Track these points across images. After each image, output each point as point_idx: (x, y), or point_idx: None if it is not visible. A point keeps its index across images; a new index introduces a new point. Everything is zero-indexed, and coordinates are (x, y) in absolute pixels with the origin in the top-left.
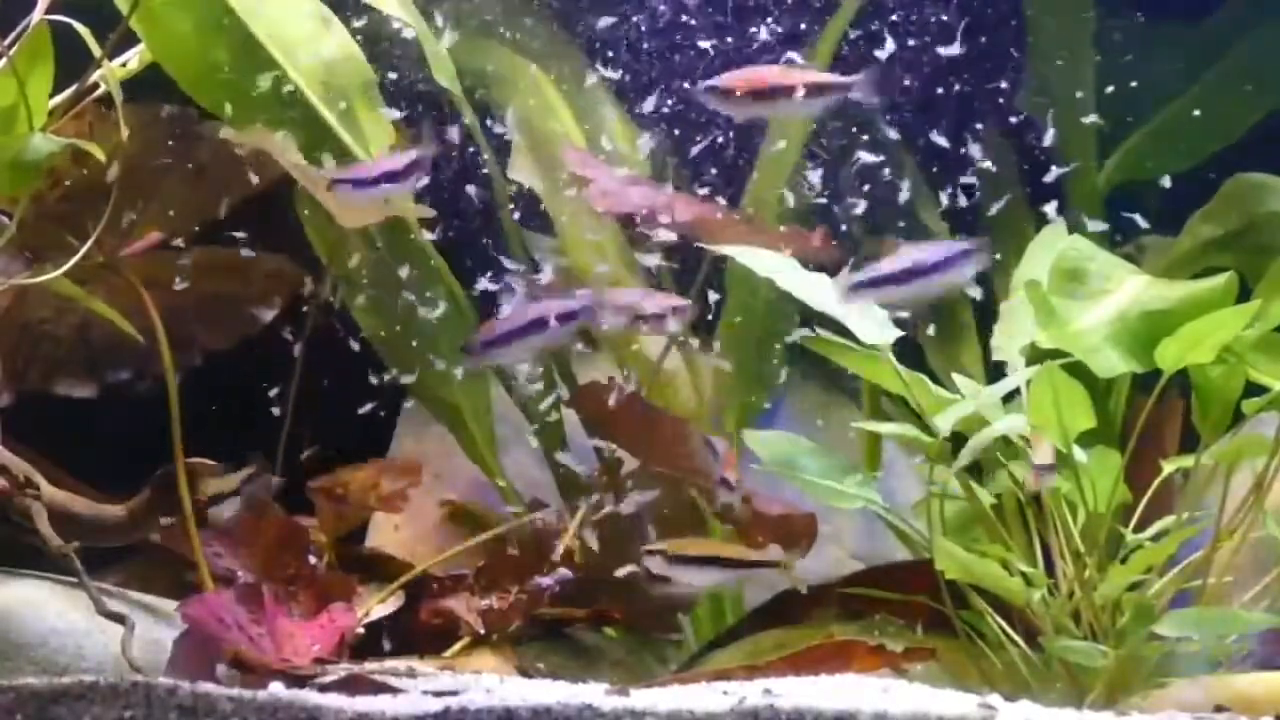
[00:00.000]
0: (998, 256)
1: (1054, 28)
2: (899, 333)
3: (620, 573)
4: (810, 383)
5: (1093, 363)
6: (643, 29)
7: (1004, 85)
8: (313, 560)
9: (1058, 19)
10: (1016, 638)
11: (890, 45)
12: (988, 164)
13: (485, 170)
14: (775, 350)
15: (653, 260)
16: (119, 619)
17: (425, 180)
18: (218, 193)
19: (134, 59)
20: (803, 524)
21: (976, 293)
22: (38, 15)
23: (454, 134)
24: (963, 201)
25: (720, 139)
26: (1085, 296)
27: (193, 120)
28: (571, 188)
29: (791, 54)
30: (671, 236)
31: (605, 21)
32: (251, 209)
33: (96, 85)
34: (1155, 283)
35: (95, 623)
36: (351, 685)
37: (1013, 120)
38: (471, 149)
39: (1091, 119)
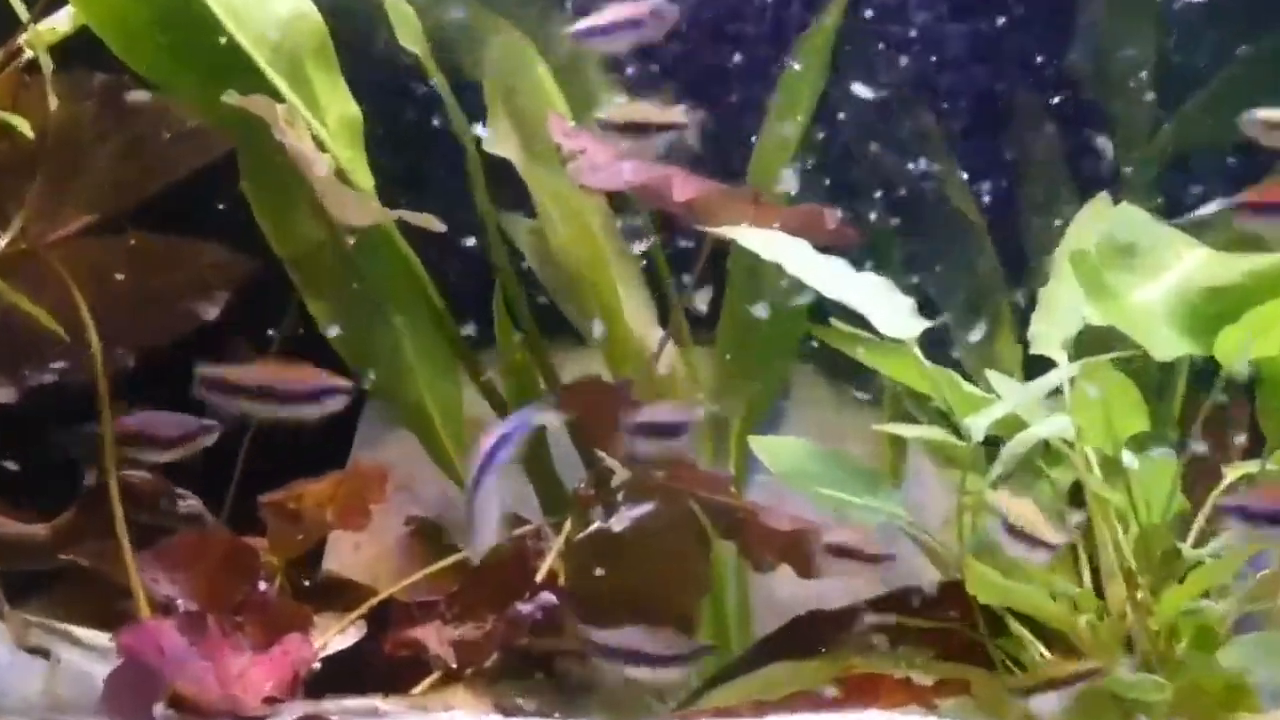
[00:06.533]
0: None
1: None
2: (925, 323)
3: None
4: (824, 381)
5: (1149, 343)
6: None
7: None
8: (263, 585)
9: None
10: None
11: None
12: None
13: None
14: (784, 345)
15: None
16: (43, 653)
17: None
18: (155, 171)
19: (64, 22)
20: (816, 541)
21: None
22: None
23: None
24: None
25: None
26: (1140, 271)
27: (128, 89)
28: (555, 161)
29: None
30: None
31: None
32: (191, 190)
33: (21, 51)
34: (1219, 256)
35: (17, 657)
36: None
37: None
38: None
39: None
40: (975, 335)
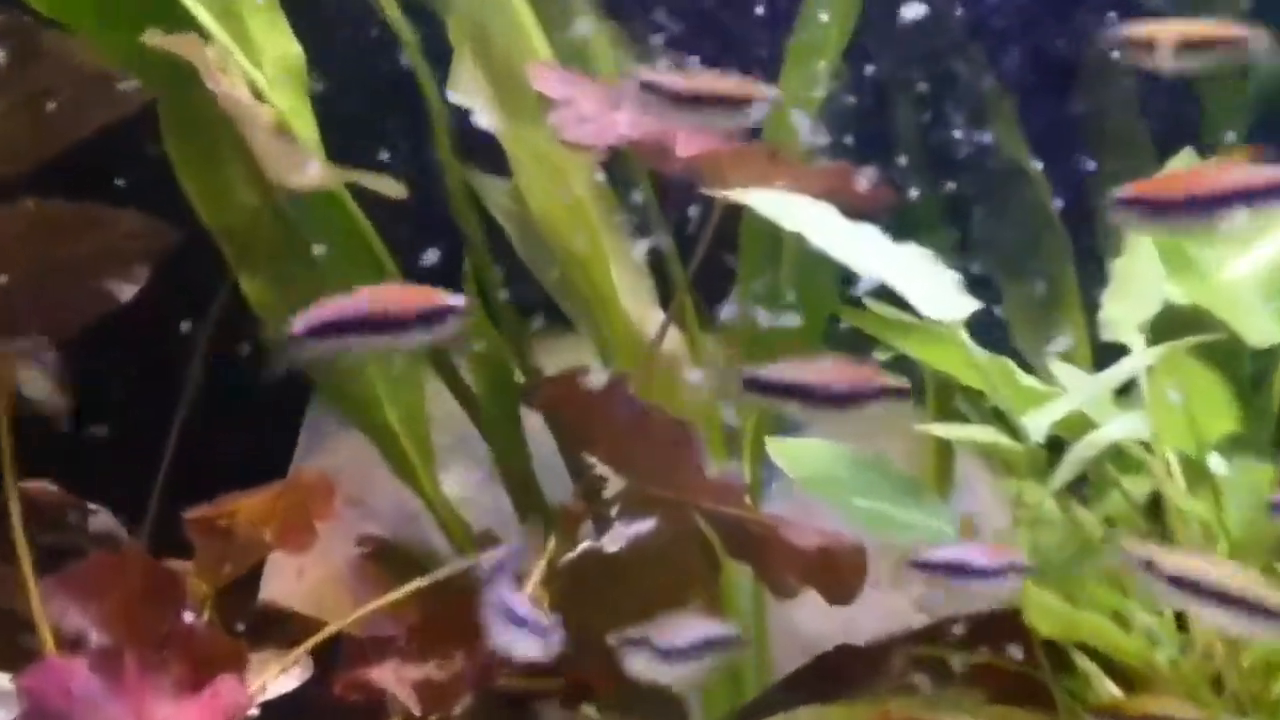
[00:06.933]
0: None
1: None
2: (975, 304)
3: None
4: None
5: (1242, 326)
6: None
7: None
8: (189, 616)
9: None
10: None
11: None
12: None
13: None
14: (808, 330)
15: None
16: None
17: None
18: (62, 126)
19: None
20: (848, 560)
21: None
22: None
23: None
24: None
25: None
26: (1230, 241)
27: (30, 31)
28: (535, 113)
29: None
30: None
31: None
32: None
33: None
34: None
35: None
36: None
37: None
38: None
39: None
40: (1038, 320)
